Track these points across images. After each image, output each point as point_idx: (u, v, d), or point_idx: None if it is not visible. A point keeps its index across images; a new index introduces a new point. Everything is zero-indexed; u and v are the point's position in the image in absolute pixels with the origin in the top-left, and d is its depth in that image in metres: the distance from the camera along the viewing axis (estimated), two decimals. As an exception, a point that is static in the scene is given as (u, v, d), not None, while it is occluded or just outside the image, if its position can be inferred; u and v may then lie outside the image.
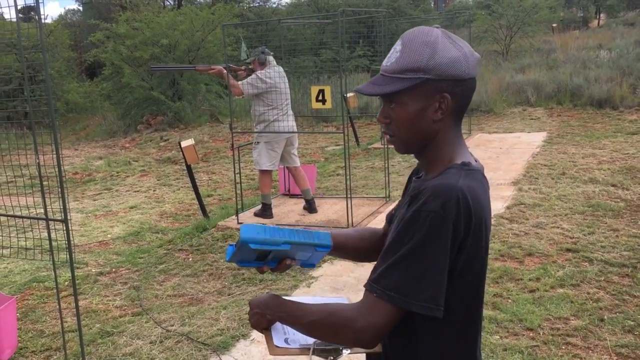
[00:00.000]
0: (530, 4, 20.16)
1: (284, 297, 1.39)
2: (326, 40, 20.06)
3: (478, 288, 1.32)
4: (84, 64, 21.80)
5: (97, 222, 7.18)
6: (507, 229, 5.48)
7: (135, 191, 9.03)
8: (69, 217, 3.17)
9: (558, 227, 5.43)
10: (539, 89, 13.60)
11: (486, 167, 1.57)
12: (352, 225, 5.92)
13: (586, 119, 11.62)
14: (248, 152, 6.56)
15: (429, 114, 1.29)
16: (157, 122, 14.85)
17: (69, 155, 12.53)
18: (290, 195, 7.36)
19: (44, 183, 3.26)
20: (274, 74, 6.06)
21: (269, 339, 1.39)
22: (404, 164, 9.00)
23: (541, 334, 3.61)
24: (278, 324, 1.41)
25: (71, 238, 3.18)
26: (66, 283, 4.91)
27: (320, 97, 6.21)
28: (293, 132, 6.33)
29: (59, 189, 3.10)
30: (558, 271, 4.47)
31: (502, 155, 8.89)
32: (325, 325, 1.28)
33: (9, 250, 4.96)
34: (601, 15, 36.83)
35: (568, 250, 4.89)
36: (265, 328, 1.40)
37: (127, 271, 5.28)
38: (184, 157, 6.39)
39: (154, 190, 8.93)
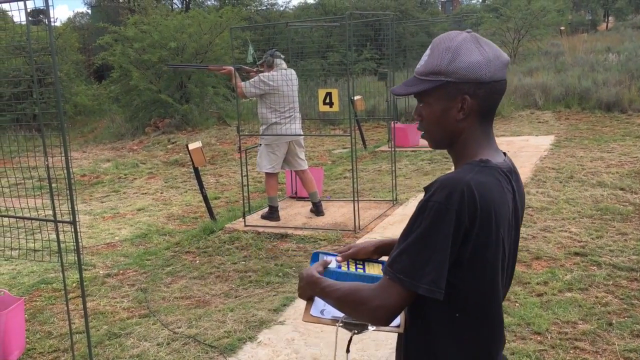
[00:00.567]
0: (538, 7, 20.10)
1: (318, 275, 1.52)
2: (333, 43, 20.07)
3: (493, 280, 1.37)
4: (92, 66, 21.89)
5: (105, 224, 7.21)
6: (515, 232, 5.45)
7: (142, 193, 9.06)
8: (77, 219, 3.19)
9: (566, 231, 5.41)
10: (547, 92, 13.56)
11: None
12: (359, 228, 5.91)
13: (594, 123, 11.57)
14: (255, 154, 6.57)
15: (452, 114, 1.39)
16: (164, 125, 14.89)
17: (77, 158, 12.59)
18: (297, 198, 7.37)
19: (53, 185, 3.27)
20: (278, 76, 6.05)
21: (307, 308, 1.58)
22: (411, 167, 8.99)
23: (549, 338, 3.59)
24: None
25: (79, 240, 3.19)
26: (74, 285, 4.93)
27: (327, 100, 6.21)
28: (291, 135, 6.21)
29: (68, 191, 3.12)
30: (566, 275, 4.45)
31: (510, 158, 8.86)
32: (348, 302, 1.41)
33: (17, 251, 4.98)
34: (609, 18, 36.70)
35: (576, 254, 4.87)
36: (309, 298, 1.58)
37: (134, 273, 5.29)
38: (192, 160, 6.41)
39: (161, 193, 8.96)
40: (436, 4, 32.80)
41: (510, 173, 1.43)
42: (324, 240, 5.68)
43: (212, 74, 14.96)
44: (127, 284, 5.02)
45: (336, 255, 1.66)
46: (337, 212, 6.65)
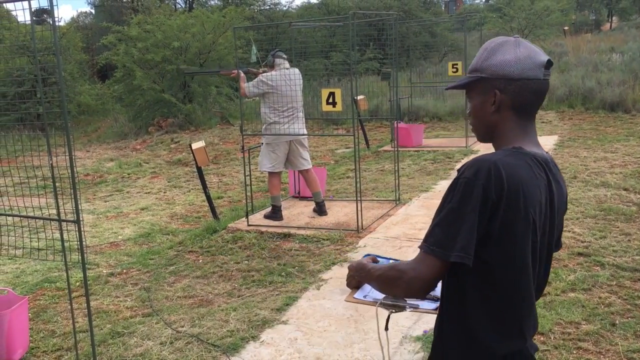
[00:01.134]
0: (541, 6, 20.08)
1: (366, 262, 1.73)
2: (337, 43, 20.06)
3: (523, 258, 1.45)
4: (95, 66, 21.93)
5: (108, 224, 7.22)
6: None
7: (146, 193, 9.08)
8: (81, 218, 3.20)
9: (569, 231, 5.40)
10: (551, 92, 13.52)
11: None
12: (362, 228, 5.91)
13: (598, 123, 11.55)
14: (258, 154, 6.57)
15: (487, 108, 1.54)
16: (168, 124, 14.91)
17: (80, 157, 12.62)
18: (300, 197, 7.37)
19: (57, 184, 3.28)
20: (277, 76, 6.09)
21: (351, 292, 1.78)
22: (414, 167, 8.98)
23: (552, 338, 3.59)
24: (367, 286, 1.77)
25: (83, 239, 3.20)
26: (77, 284, 4.94)
27: (330, 100, 6.21)
28: (289, 135, 6.20)
29: (72, 190, 3.12)
30: (569, 275, 4.44)
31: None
32: (387, 277, 1.55)
33: (21, 250, 5.00)
34: (613, 18, 36.60)
35: (579, 254, 4.86)
36: (355, 287, 1.79)
37: (137, 272, 5.31)
38: (195, 159, 6.42)
39: (164, 192, 8.98)
40: (439, 4, 32.77)
41: (546, 163, 1.51)
42: (327, 240, 5.69)
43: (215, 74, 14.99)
44: (131, 283, 5.03)
45: (389, 259, 1.87)
46: (340, 212, 6.65)
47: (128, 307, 4.51)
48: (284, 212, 6.58)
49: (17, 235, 4.72)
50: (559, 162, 8.29)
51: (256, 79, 6.19)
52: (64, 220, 3.30)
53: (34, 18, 3.24)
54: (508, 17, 20.75)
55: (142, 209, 7.87)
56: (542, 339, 3.59)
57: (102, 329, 4.11)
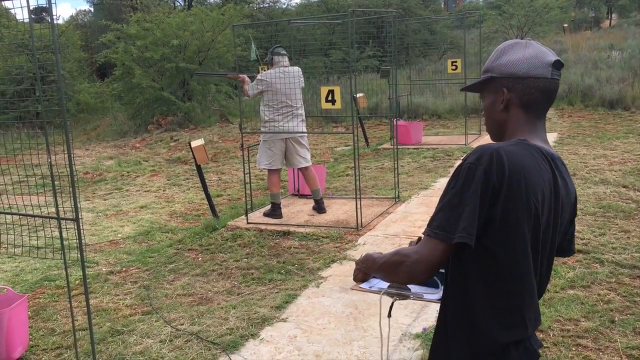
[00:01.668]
0: (541, 4, 20.06)
1: (372, 252, 1.75)
2: (336, 40, 20.05)
3: (523, 246, 1.46)
4: (94, 64, 21.93)
5: (108, 222, 7.22)
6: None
7: (145, 191, 9.08)
8: (80, 217, 3.20)
9: (568, 228, 5.40)
10: (550, 89, 13.52)
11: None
12: (361, 225, 5.91)
13: (597, 120, 11.55)
14: (257, 152, 6.57)
15: (497, 106, 1.59)
16: (167, 123, 14.91)
17: (80, 155, 12.61)
18: (300, 195, 7.37)
19: (56, 183, 3.28)
20: (272, 74, 6.12)
21: (357, 284, 1.81)
22: (414, 165, 8.98)
23: (551, 335, 3.59)
24: (373, 279, 1.81)
25: (82, 237, 3.20)
26: (77, 282, 4.94)
27: (329, 98, 6.20)
28: (283, 132, 6.18)
29: (71, 189, 3.12)
30: (568, 272, 4.45)
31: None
32: (391, 263, 1.58)
33: (20, 249, 5.00)
34: (613, 15, 36.59)
35: (579, 251, 4.86)
36: (362, 280, 1.81)
37: (137, 270, 5.31)
38: (194, 157, 6.42)
39: (164, 190, 8.98)
40: (439, 2, 32.75)
41: (552, 158, 1.53)
42: (327, 237, 5.69)
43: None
44: (130, 281, 5.03)
45: None
46: (339, 210, 6.65)
47: (127, 305, 4.52)
48: (284, 210, 6.58)
49: (16, 233, 4.71)
50: (558, 159, 8.29)
51: (255, 79, 6.22)
52: (63, 219, 3.30)
53: (33, 16, 3.24)
54: (507, 14, 20.74)
55: (142, 207, 7.87)
56: (541, 335, 3.59)
57: (101, 327, 4.11)
